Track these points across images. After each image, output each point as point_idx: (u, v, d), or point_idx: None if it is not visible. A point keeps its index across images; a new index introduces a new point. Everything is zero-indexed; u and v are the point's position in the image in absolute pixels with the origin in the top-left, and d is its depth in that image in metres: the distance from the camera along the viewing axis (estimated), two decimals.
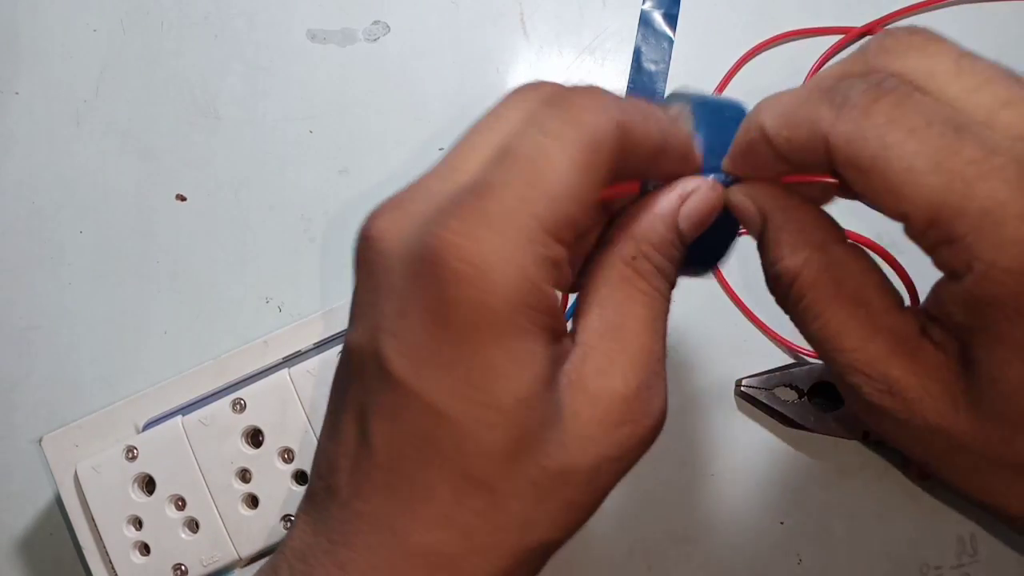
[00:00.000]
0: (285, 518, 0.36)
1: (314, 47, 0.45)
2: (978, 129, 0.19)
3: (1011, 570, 0.39)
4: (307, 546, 0.22)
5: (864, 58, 0.21)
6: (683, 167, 0.23)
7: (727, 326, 0.41)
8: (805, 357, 0.40)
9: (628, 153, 0.21)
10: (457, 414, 0.20)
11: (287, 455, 0.37)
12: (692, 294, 0.40)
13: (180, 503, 0.37)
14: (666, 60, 0.45)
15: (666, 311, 0.23)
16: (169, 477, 0.37)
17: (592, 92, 0.21)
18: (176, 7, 0.46)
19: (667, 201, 0.23)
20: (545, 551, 0.22)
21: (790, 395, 0.39)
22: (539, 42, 0.45)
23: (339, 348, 0.36)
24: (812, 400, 0.39)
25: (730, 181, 0.24)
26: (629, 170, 0.22)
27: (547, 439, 0.20)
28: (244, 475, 0.37)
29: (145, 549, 0.37)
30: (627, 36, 0.45)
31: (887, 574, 0.39)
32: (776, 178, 0.23)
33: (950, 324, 0.21)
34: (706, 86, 0.44)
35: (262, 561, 0.37)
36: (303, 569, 0.21)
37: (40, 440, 0.38)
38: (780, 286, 0.23)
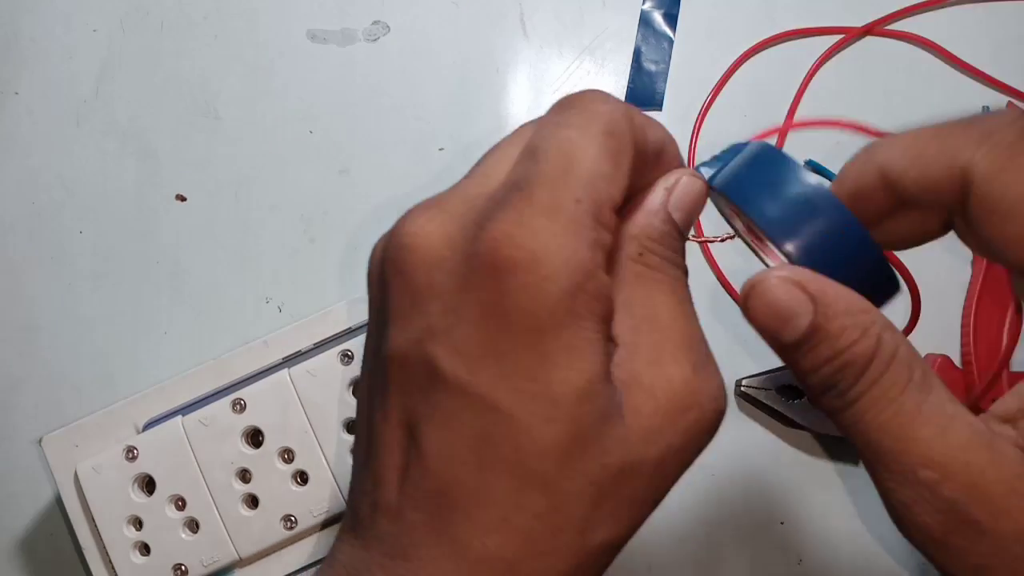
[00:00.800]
0: (285, 518, 0.36)
1: (314, 47, 0.45)
2: None
3: None
4: (360, 560, 0.21)
5: None
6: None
7: (727, 326, 0.41)
8: None
9: (639, 145, 0.22)
10: (513, 407, 0.19)
11: (287, 455, 0.37)
12: (692, 294, 0.40)
13: (180, 503, 0.37)
14: (666, 60, 0.45)
15: (689, 295, 0.23)
16: (169, 477, 0.37)
17: (597, 91, 0.22)
18: (176, 7, 0.46)
19: (655, 196, 0.23)
20: (609, 551, 0.21)
21: (790, 395, 0.39)
22: (539, 42, 0.45)
23: (340, 348, 0.37)
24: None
25: (713, 174, 0.23)
26: (636, 168, 0.22)
27: (607, 436, 0.20)
28: (244, 475, 0.37)
29: (145, 549, 0.37)
30: (627, 36, 0.45)
31: (887, 574, 0.39)
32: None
33: None
34: (706, 86, 0.44)
35: (261, 561, 0.37)
36: None
37: (40, 440, 0.38)
38: (847, 376, 0.20)
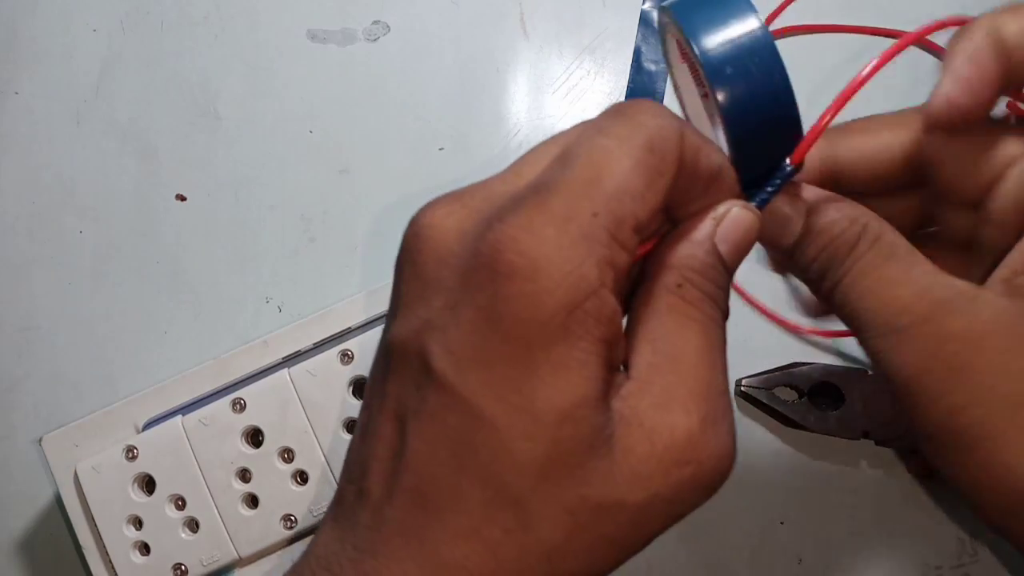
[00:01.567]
0: (285, 518, 0.36)
1: (314, 47, 0.45)
2: None
3: (1011, 570, 0.39)
4: (332, 554, 0.21)
5: None
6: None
7: (727, 325, 0.41)
8: (809, 336, 0.40)
9: (689, 168, 0.21)
10: (496, 417, 0.19)
11: (287, 455, 0.37)
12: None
13: (180, 503, 0.37)
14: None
15: (723, 341, 0.22)
16: (169, 477, 0.37)
17: (653, 103, 0.21)
18: (176, 7, 0.46)
19: (703, 226, 0.22)
20: None
21: (790, 395, 0.39)
22: (539, 42, 0.45)
23: (340, 348, 0.37)
24: (812, 400, 0.39)
25: (765, 200, 0.23)
26: (685, 192, 0.21)
27: (591, 468, 0.19)
28: (244, 475, 0.37)
29: (145, 549, 0.37)
30: (627, 36, 0.45)
31: (887, 574, 0.39)
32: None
33: None
34: None
35: (261, 561, 0.37)
36: None
37: (40, 440, 0.38)
38: (839, 255, 0.23)
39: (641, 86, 0.44)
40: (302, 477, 0.37)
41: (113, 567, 0.37)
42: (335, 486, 0.36)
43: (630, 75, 0.45)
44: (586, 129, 0.21)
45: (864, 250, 0.22)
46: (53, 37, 0.46)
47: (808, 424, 0.39)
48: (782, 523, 0.40)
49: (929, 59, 0.44)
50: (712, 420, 0.20)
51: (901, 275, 0.22)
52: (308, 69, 0.45)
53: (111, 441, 0.38)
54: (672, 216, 0.22)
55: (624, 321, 0.22)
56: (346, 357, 0.37)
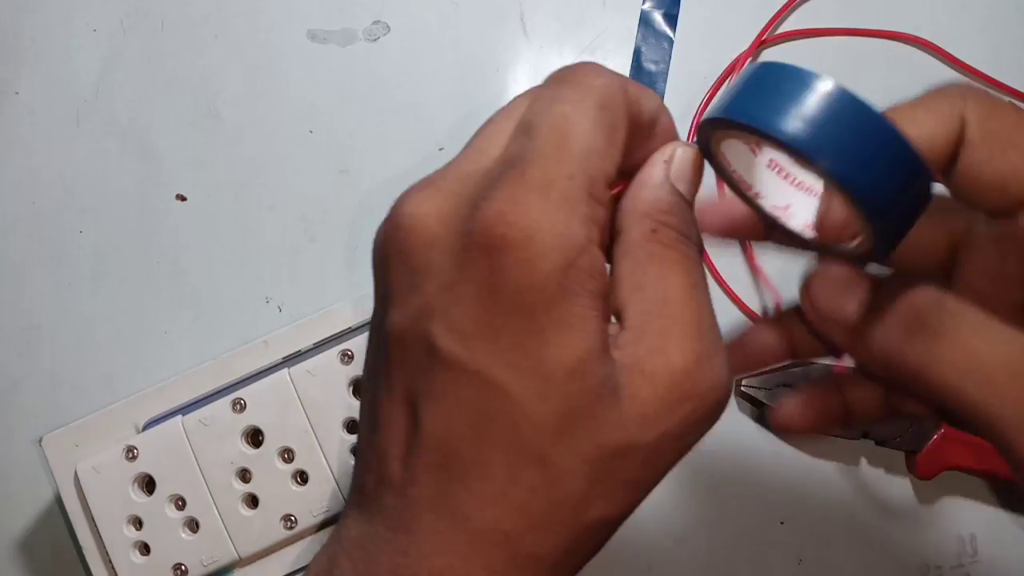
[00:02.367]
0: (285, 518, 0.36)
1: (314, 47, 0.45)
2: None
3: (1011, 570, 0.39)
4: (366, 535, 0.21)
5: None
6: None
7: (727, 326, 0.41)
8: None
9: (634, 118, 0.22)
10: (508, 383, 0.20)
11: (287, 455, 0.37)
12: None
13: (180, 503, 0.37)
14: (666, 60, 0.45)
15: (704, 278, 0.23)
16: (169, 477, 0.37)
17: (591, 64, 0.22)
18: (176, 7, 0.46)
19: (656, 170, 0.23)
20: (605, 528, 0.21)
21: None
22: (539, 42, 0.45)
23: (340, 348, 0.37)
24: None
25: (716, 113, 0.22)
26: (631, 141, 0.22)
27: (603, 417, 0.20)
28: (244, 475, 0.37)
29: (145, 549, 0.37)
30: (627, 36, 0.45)
31: (887, 574, 0.39)
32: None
33: None
34: (705, 85, 0.44)
35: (261, 561, 0.37)
36: (364, 558, 0.21)
37: (40, 440, 0.38)
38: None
39: None
40: (302, 477, 0.37)
41: (113, 567, 0.37)
42: (335, 486, 0.36)
43: (630, 75, 0.45)
44: (538, 98, 0.21)
45: (951, 320, 0.21)
46: (53, 37, 0.46)
47: None
48: (782, 523, 0.40)
49: (929, 59, 0.44)
50: (706, 355, 0.21)
51: (994, 336, 0.21)
52: (308, 69, 0.45)
53: (111, 441, 0.38)
54: (622, 165, 0.23)
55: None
56: (346, 357, 0.37)
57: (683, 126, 0.44)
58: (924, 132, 0.21)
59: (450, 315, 0.20)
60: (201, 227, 0.44)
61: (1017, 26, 0.44)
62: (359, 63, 0.45)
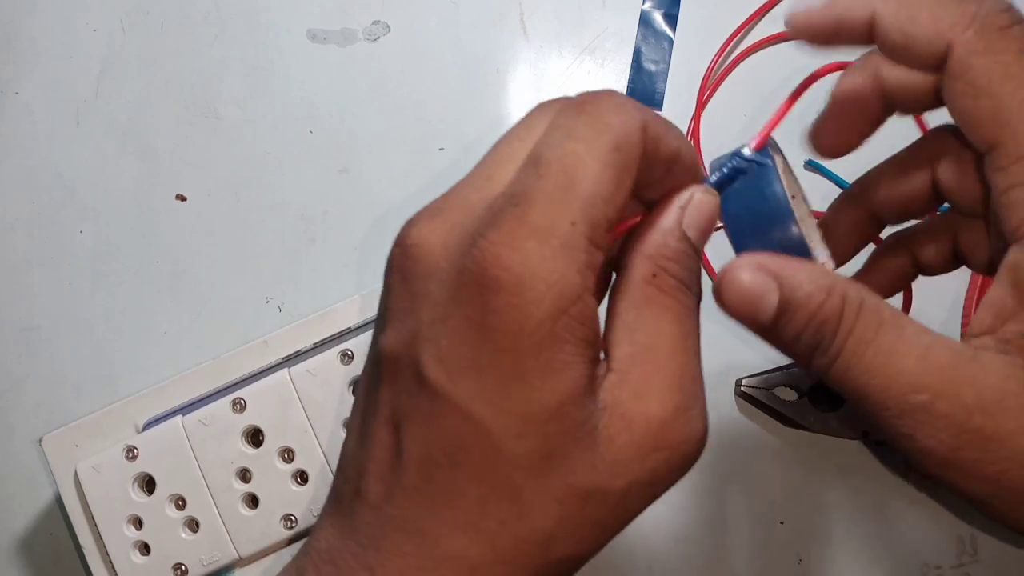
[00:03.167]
0: (285, 518, 0.36)
1: (314, 47, 0.45)
2: None
3: (1011, 570, 0.39)
4: (335, 548, 0.22)
5: None
6: (691, 180, 0.23)
7: (727, 326, 0.41)
8: None
9: (651, 157, 0.21)
10: (488, 420, 0.20)
11: (287, 455, 0.37)
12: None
13: (180, 503, 0.37)
14: (666, 60, 0.45)
15: (697, 327, 0.23)
16: (169, 477, 0.37)
17: (614, 96, 0.22)
18: (176, 7, 0.46)
19: (669, 215, 0.23)
20: (570, 565, 0.22)
21: (790, 395, 0.39)
22: (539, 42, 0.45)
23: (340, 348, 0.37)
24: (812, 400, 0.39)
25: (721, 179, 0.24)
26: (647, 178, 0.22)
27: (577, 459, 0.20)
28: (244, 475, 0.37)
29: (145, 549, 0.37)
30: (627, 36, 0.45)
31: (887, 574, 0.39)
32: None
33: None
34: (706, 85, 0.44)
35: (261, 561, 0.37)
36: (331, 572, 0.21)
37: (40, 440, 0.38)
38: (825, 334, 0.22)
39: (641, 86, 0.44)
40: (302, 477, 0.37)
41: (113, 567, 0.37)
42: None
43: (630, 75, 0.45)
44: (552, 130, 0.21)
45: (852, 322, 0.21)
46: (53, 37, 0.46)
47: (808, 424, 0.39)
48: (782, 523, 0.40)
49: None
50: (684, 408, 0.22)
51: (896, 342, 0.21)
52: (308, 69, 0.45)
53: (111, 441, 0.38)
54: (638, 196, 0.23)
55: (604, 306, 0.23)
56: (346, 357, 0.37)
57: (683, 126, 0.44)
58: (857, 15, 0.22)
59: (440, 346, 0.20)
60: (201, 227, 0.44)
61: None
62: (359, 63, 0.45)
